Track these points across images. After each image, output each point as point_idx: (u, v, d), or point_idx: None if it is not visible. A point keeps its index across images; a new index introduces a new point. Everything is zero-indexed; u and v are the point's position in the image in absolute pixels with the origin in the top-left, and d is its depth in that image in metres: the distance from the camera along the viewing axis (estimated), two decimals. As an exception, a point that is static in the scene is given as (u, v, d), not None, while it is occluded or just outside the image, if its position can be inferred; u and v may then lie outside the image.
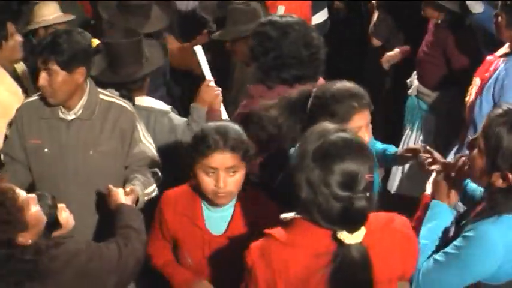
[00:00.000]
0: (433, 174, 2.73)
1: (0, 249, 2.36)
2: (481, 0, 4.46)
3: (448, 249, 2.46)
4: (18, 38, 3.94)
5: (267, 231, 2.29)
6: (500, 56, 3.89)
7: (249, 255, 2.27)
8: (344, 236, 2.15)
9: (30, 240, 2.44)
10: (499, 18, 3.85)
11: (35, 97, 3.37)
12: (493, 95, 3.81)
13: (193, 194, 2.89)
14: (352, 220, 2.15)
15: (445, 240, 2.53)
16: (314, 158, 2.18)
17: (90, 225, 3.28)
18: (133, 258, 2.71)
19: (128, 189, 3.06)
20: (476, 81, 3.94)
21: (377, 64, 5.32)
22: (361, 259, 2.16)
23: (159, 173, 3.37)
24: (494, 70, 3.84)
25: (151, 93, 3.91)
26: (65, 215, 2.79)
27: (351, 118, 2.77)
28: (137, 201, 3.12)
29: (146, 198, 3.19)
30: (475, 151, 2.48)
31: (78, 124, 3.26)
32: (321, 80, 3.48)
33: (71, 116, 3.26)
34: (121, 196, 2.98)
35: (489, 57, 3.97)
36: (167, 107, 3.69)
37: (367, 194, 2.16)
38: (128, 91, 3.61)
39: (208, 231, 2.86)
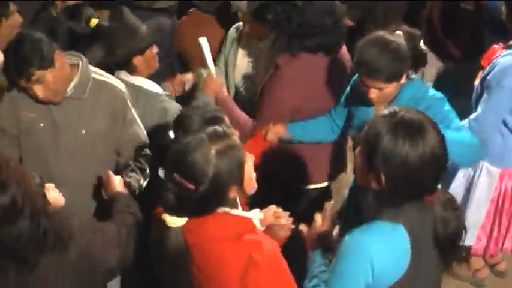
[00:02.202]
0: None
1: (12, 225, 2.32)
2: None
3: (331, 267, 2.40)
4: (19, 18, 3.91)
5: None
6: (504, 47, 3.87)
7: None
8: (165, 217, 2.43)
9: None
10: (504, 9, 3.89)
11: None
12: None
13: None
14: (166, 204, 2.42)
15: None
16: None
17: (81, 205, 3.25)
18: (132, 239, 2.72)
19: (127, 180, 3.12)
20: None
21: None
22: (175, 242, 2.42)
23: (149, 153, 3.40)
24: (495, 59, 3.84)
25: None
26: (53, 194, 2.81)
27: None
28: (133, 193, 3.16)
29: (138, 191, 3.24)
30: (358, 149, 2.38)
31: (69, 103, 3.21)
32: (344, 48, 3.61)
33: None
34: (119, 185, 3.01)
35: (495, 46, 3.94)
36: (160, 90, 3.64)
37: (175, 189, 2.36)
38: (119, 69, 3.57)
39: None
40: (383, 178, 2.26)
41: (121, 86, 3.37)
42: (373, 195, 2.32)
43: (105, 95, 3.28)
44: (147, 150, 3.40)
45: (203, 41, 3.73)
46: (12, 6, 3.91)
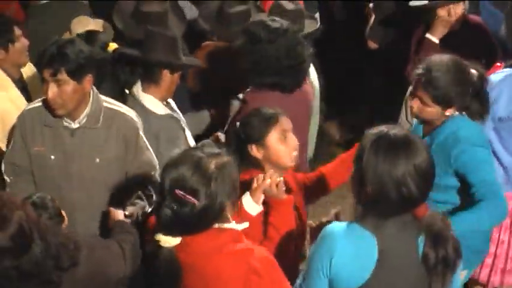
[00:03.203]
0: None
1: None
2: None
3: None
4: (25, 41, 3.95)
5: None
6: (506, 66, 3.88)
7: None
8: (159, 237, 2.46)
9: None
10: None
11: (37, 104, 3.34)
12: None
13: None
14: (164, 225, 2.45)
15: None
16: None
17: (92, 231, 3.31)
18: (132, 251, 2.82)
19: (127, 213, 3.18)
20: None
21: (375, 65, 5.45)
22: (168, 262, 2.45)
23: (158, 179, 3.36)
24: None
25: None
26: None
27: None
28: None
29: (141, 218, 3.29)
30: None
31: (82, 132, 3.26)
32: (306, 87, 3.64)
33: (75, 125, 3.26)
34: (120, 217, 3.13)
35: (498, 64, 4.01)
36: (164, 112, 3.63)
37: (173, 207, 2.40)
38: (145, 82, 3.61)
39: None
40: (368, 191, 2.33)
41: (132, 114, 3.41)
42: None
43: (117, 123, 3.32)
44: (156, 176, 3.42)
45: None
46: (18, 31, 3.94)
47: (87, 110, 3.25)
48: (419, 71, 3.14)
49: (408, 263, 2.35)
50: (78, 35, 3.94)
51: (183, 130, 3.74)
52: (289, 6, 4.34)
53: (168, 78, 3.62)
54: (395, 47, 5.02)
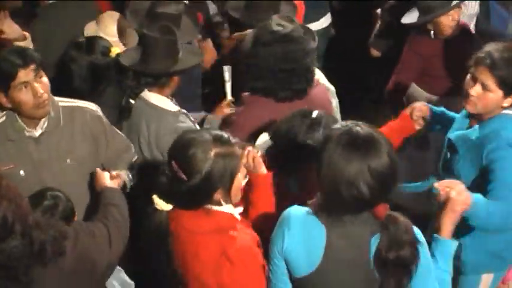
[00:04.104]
0: None
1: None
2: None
3: None
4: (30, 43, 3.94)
5: None
6: None
7: None
8: (155, 198, 2.61)
9: None
10: None
11: None
12: None
13: None
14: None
15: None
16: None
17: None
18: (118, 233, 2.82)
19: (114, 173, 3.17)
20: None
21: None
22: (158, 224, 2.60)
23: (133, 155, 3.48)
24: None
25: (188, 102, 3.98)
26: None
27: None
28: (124, 186, 3.27)
29: (131, 183, 3.32)
30: None
31: (47, 137, 3.20)
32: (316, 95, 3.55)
33: (37, 132, 3.19)
34: (107, 179, 3.12)
35: None
36: (176, 108, 3.68)
37: (169, 176, 2.55)
38: (149, 85, 3.65)
39: None
40: (323, 184, 2.34)
41: (91, 105, 3.38)
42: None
43: (79, 119, 3.29)
44: (131, 154, 3.48)
45: (227, 70, 3.95)
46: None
47: (48, 115, 3.19)
48: (482, 54, 3.09)
49: (356, 260, 2.39)
50: (77, 42, 3.97)
51: (194, 123, 3.79)
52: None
53: (171, 80, 3.70)
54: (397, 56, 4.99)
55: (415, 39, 4.74)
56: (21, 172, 3.19)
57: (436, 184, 2.75)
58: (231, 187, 2.59)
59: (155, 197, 2.61)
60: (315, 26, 5.27)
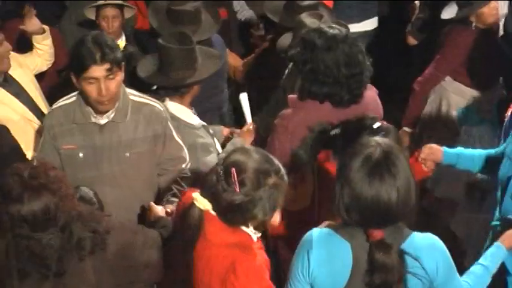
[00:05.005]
0: None
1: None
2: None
3: None
4: (8, 46, 3.93)
5: None
6: None
7: None
8: (196, 194, 2.56)
9: None
10: None
11: (62, 102, 3.35)
12: None
13: None
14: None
15: None
16: None
17: None
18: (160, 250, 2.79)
19: (168, 210, 3.15)
20: None
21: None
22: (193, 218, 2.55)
23: (189, 174, 3.45)
24: None
25: (213, 111, 4.12)
26: None
27: None
28: None
29: None
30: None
31: (111, 127, 3.27)
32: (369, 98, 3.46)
33: (103, 120, 3.26)
34: (161, 212, 3.11)
35: None
36: (197, 122, 3.67)
37: (220, 179, 2.47)
38: (168, 95, 3.65)
39: None
40: (347, 204, 2.38)
41: (159, 105, 3.40)
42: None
43: (145, 115, 3.32)
44: (188, 172, 3.45)
45: (243, 97, 3.93)
46: (0, 36, 3.91)
47: (117, 104, 3.25)
48: None
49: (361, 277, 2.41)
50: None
51: (212, 137, 3.77)
52: (314, 23, 4.15)
53: (191, 88, 3.70)
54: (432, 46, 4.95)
55: (455, 31, 4.70)
56: (81, 154, 3.27)
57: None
58: (269, 217, 2.56)
59: (197, 194, 2.56)
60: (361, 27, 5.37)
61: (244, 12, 5.54)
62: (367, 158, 2.35)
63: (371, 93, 3.51)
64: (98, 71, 3.06)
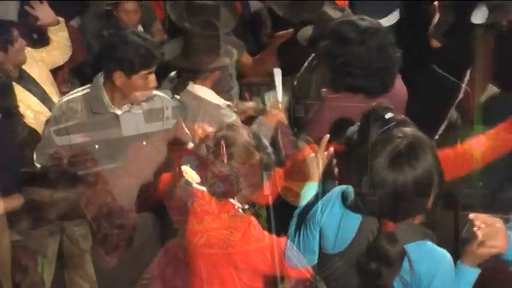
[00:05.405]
0: None
1: None
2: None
3: None
4: (23, 42, 3.95)
5: None
6: None
7: None
8: (186, 168, 2.59)
9: None
10: None
11: (75, 94, 3.41)
12: None
13: None
14: None
15: None
16: None
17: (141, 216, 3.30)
18: None
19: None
20: None
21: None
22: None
23: None
24: None
25: None
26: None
27: None
28: None
29: None
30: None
31: (127, 117, 3.36)
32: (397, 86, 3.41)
33: (121, 111, 3.35)
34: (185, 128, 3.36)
35: None
36: (221, 101, 3.69)
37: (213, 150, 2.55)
38: (191, 79, 3.68)
39: None
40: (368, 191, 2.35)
41: (166, 93, 3.54)
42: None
43: (158, 106, 3.45)
44: None
45: (277, 72, 3.78)
46: (15, 31, 3.93)
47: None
48: None
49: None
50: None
51: (237, 115, 3.78)
52: (337, 14, 4.04)
53: (213, 73, 3.71)
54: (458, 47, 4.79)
55: (487, 34, 4.46)
56: (96, 146, 3.32)
57: (472, 216, 2.49)
58: (259, 185, 2.66)
59: (187, 168, 2.60)
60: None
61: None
62: (392, 148, 2.32)
63: (398, 82, 3.50)
64: (144, 72, 3.28)
